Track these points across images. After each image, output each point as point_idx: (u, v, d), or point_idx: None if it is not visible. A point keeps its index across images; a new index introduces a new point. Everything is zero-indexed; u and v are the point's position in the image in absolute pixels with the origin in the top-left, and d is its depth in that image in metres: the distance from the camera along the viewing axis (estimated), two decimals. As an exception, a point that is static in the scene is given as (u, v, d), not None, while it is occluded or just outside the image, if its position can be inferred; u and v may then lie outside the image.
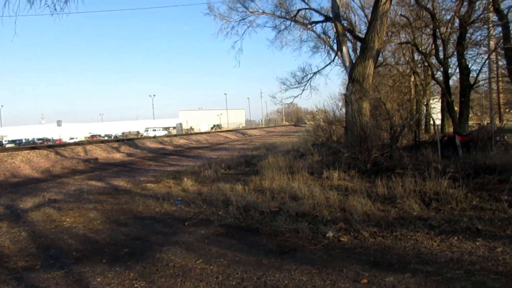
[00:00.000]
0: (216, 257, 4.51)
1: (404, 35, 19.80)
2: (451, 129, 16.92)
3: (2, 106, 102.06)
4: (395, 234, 4.84)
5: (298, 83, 19.84)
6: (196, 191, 8.49)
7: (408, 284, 3.46)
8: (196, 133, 45.17)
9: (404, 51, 21.50)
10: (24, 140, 65.25)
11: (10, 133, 78.50)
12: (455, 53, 15.55)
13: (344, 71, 16.52)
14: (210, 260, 4.40)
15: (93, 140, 43.09)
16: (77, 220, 6.62)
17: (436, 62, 17.77)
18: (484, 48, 15.75)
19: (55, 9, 8.39)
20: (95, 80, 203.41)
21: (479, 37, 15.44)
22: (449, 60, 17.17)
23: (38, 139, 66.66)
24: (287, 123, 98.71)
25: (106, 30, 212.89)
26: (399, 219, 5.40)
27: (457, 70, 16.29)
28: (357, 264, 4.02)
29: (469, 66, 15.11)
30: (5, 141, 63.52)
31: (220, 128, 78.15)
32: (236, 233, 5.49)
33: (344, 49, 14.02)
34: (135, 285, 3.81)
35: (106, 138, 64.42)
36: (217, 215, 6.50)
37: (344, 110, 14.38)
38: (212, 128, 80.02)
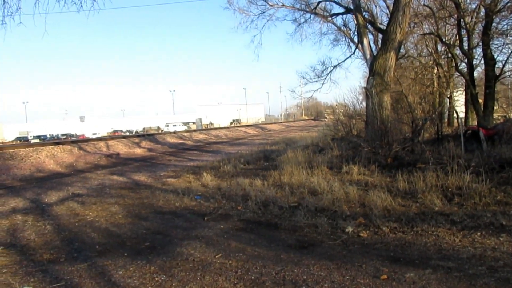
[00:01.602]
0: (235, 251, 4.54)
1: (427, 26, 19.33)
2: (475, 122, 16.51)
3: (27, 102, 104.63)
4: (416, 230, 4.78)
5: (318, 77, 19.67)
6: (215, 186, 8.54)
7: (428, 280, 3.41)
8: (216, 128, 45.42)
9: (427, 42, 20.99)
10: (48, 136, 66.93)
11: (35, 129, 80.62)
12: (480, 44, 15.14)
13: (365, 64, 16.31)
14: (229, 255, 4.43)
15: (115, 135, 43.84)
16: (99, 214, 6.76)
17: (460, 53, 17.30)
18: (511, 38, 15.27)
19: (81, 6, 8.52)
20: (117, 76, 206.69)
21: (505, 26, 14.98)
22: (474, 51, 16.69)
23: (62, 135, 68.23)
24: (306, 118, 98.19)
25: (127, 26, 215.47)
26: (420, 214, 5.32)
27: (482, 61, 15.89)
28: (376, 260, 3.99)
29: (495, 57, 14.69)
30: (31, 136, 65.37)
31: (239, 123, 78.35)
32: (255, 228, 5.52)
33: (365, 41, 13.83)
34: (156, 279, 3.87)
35: (127, 133, 65.44)
36: (236, 210, 6.53)
37: (364, 103, 14.23)
38: (231, 123, 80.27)
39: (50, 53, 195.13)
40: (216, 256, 4.40)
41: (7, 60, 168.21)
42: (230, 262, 4.20)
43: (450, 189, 6.18)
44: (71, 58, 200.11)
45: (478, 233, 4.46)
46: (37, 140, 51.78)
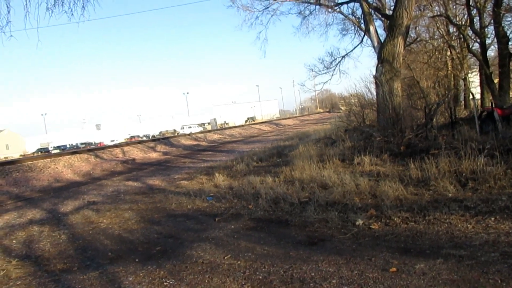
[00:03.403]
0: (245, 251, 4.52)
1: (437, 8, 18.92)
2: (491, 103, 16.09)
3: (45, 114, 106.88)
4: (428, 219, 4.66)
5: (327, 68, 19.43)
6: (227, 185, 8.54)
7: (439, 270, 3.32)
8: (230, 127, 45.52)
9: (438, 25, 20.51)
10: (68, 146, 68.33)
11: (55, 139, 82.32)
12: (492, 22, 14.73)
13: (374, 51, 16.05)
14: (238, 255, 4.41)
15: (131, 141, 44.37)
16: (113, 221, 6.83)
17: (472, 33, 16.90)
18: (524, 13, 14.81)
19: (72, 14, 8.58)
20: (131, 81, 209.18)
21: (517, 1, 14.54)
22: (486, 29, 16.24)
23: (81, 144, 69.57)
24: (321, 110, 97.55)
25: (136, 30, 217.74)
26: (432, 202, 5.20)
27: (495, 40, 15.43)
28: (386, 252, 3.91)
29: (508, 34, 14.27)
30: (51, 147, 66.82)
31: (254, 121, 78.36)
32: (265, 226, 5.48)
33: (371, 28, 13.58)
34: (165, 283, 3.88)
35: (144, 138, 66.18)
36: (247, 209, 6.51)
37: (376, 92, 13.99)
38: (246, 121, 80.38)
39: (64, 63, 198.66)
40: (225, 257, 4.38)
41: (22, 72, 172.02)
42: (239, 262, 4.18)
43: (464, 174, 6.02)
44: (85, 66, 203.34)
45: (492, 218, 4.32)
46: (57, 151, 52.89)
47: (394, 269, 3.48)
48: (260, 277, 3.73)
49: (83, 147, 54.70)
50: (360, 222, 4.93)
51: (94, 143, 71.46)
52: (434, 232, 4.27)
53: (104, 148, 22.28)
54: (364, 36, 18.21)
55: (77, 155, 17.66)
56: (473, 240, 3.85)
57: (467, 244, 3.78)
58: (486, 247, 3.65)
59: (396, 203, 5.40)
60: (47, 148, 67.38)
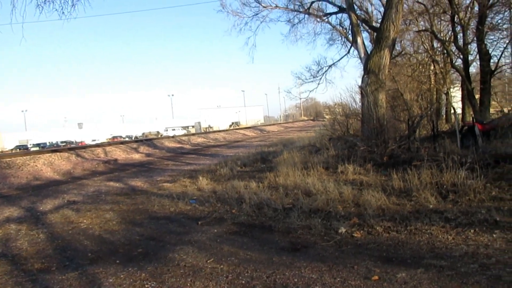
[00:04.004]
0: (228, 256, 4.50)
1: (422, 23, 19.32)
2: (472, 118, 16.46)
3: (26, 111, 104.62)
4: (409, 229, 4.73)
5: (313, 77, 19.59)
6: (211, 189, 8.50)
7: (420, 280, 3.37)
8: (214, 131, 45.39)
9: (423, 39, 20.92)
10: (48, 144, 66.85)
11: (35, 137, 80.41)
12: (475, 39, 15.11)
13: (361, 62, 16.25)
14: (221, 259, 4.39)
15: (113, 141, 43.80)
16: (93, 221, 6.72)
17: (456, 49, 17.27)
18: (505, 32, 15.23)
19: (63, 12, 8.49)
20: (116, 82, 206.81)
21: (499, 21, 14.96)
22: (469, 46, 16.64)
23: (62, 142, 68.14)
24: (305, 118, 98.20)
25: (122, 32, 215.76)
26: (414, 212, 5.28)
27: (477, 57, 15.82)
28: (369, 260, 3.95)
29: (490, 52, 14.66)
30: (30, 144, 65.26)
31: (238, 126, 78.29)
32: (248, 231, 5.47)
33: (359, 40, 13.77)
34: (146, 286, 3.83)
35: (127, 139, 65.41)
36: (230, 213, 6.49)
37: (361, 102, 14.16)
38: (230, 126, 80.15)
39: (47, 61, 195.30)
40: (208, 261, 4.36)
41: (4, 69, 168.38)
42: (222, 266, 4.16)
43: (445, 186, 6.14)
44: (68, 65, 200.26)
45: (472, 230, 4.42)
46: (36, 148, 51.72)
47: (376, 277, 3.52)
48: (243, 281, 3.72)
49: (63, 146, 53.59)
50: (343, 230, 4.96)
51: (75, 142, 70.08)
52: (416, 242, 4.33)
53: (85, 147, 21.93)
54: (351, 47, 18.46)
55: (58, 153, 17.34)
56: (453, 251, 3.92)
57: (447, 255, 3.85)
58: (466, 258, 3.72)
59: (378, 213, 5.46)
60: (26, 145, 65.73)
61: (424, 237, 4.44)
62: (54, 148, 26.64)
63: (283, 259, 4.23)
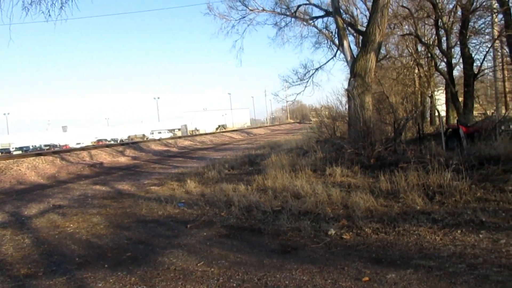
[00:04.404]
0: (218, 258, 4.49)
1: (407, 27, 19.61)
2: (456, 120, 16.73)
3: (8, 113, 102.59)
4: (397, 230, 4.79)
5: (300, 80, 19.70)
6: (199, 192, 8.47)
7: (409, 280, 3.42)
8: (201, 134, 45.24)
9: (407, 43, 21.23)
10: (31, 147, 65.70)
11: (17, 140, 78.85)
12: (458, 43, 15.38)
13: (347, 65, 16.41)
14: (212, 262, 4.37)
15: (99, 144, 43.27)
16: (80, 226, 6.63)
17: (440, 53, 17.57)
18: (488, 37, 15.56)
19: (50, 15, 8.39)
20: (100, 84, 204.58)
21: (482, 25, 15.28)
22: (453, 50, 16.93)
23: (45, 145, 67.06)
24: (292, 121, 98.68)
25: (108, 33, 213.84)
26: (402, 214, 5.35)
27: (461, 60, 16.10)
28: (359, 262, 3.98)
29: (473, 56, 14.95)
30: (13, 148, 64.05)
31: (225, 128, 78.16)
32: (238, 234, 5.47)
33: (345, 43, 13.90)
34: (136, 290, 3.80)
35: (112, 142, 64.67)
36: (219, 216, 6.48)
37: (347, 105, 14.29)
38: (217, 129, 79.98)
39: (31, 63, 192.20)
40: (198, 264, 4.34)
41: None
42: (212, 269, 4.15)
43: (431, 188, 6.23)
44: (52, 68, 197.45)
45: (459, 231, 4.49)
46: (19, 152, 50.75)
47: (367, 278, 3.55)
48: (234, 284, 3.72)
49: (47, 149, 52.69)
50: (332, 231, 5.00)
51: (59, 145, 69.05)
52: (404, 243, 4.39)
53: (70, 150, 21.63)
54: (337, 50, 18.64)
55: (42, 157, 17.06)
56: (441, 252, 3.99)
57: (435, 256, 3.91)
58: (454, 258, 3.78)
59: (367, 214, 5.52)
60: (8, 148, 64.48)
61: (412, 238, 4.50)
62: (38, 152, 26.20)
63: (274, 262, 4.23)
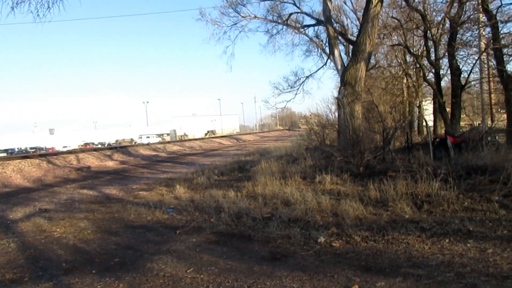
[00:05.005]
0: (208, 265, 4.47)
1: (396, 37, 19.88)
2: (443, 130, 16.96)
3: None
4: (387, 238, 4.82)
5: (291, 87, 19.88)
6: (188, 198, 8.43)
7: (399, 288, 3.44)
8: (190, 140, 45.06)
9: (396, 53, 21.52)
10: (16, 149, 64.65)
11: (2, 142, 77.61)
12: (446, 54, 15.62)
13: (337, 74, 16.57)
14: (201, 269, 4.35)
15: (86, 148, 42.85)
16: (67, 230, 6.54)
17: (428, 64, 17.84)
18: (475, 49, 15.82)
19: (38, 15, 8.33)
20: (88, 87, 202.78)
21: (469, 38, 15.55)
22: (441, 61, 17.19)
23: (31, 148, 66.09)
24: (281, 128, 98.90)
25: (97, 36, 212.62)
26: (391, 222, 5.38)
27: (449, 71, 16.35)
28: (348, 269, 3.99)
29: (460, 67, 15.17)
30: (-2, 150, 62.93)
31: (214, 134, 77.99)
32: (228, 241, 5.45)
33: (336, 52, 14.04)
34: (124, 296, 3.76)
35: (99, 146, 64.03)
36: (209, 222, 6.45)
37: (337, 113, 14.40)
38: (206, 134, 79.71)
39: (17, 65, 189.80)
40: (188, 271, 4.31)
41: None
42: (202, 276, 4.12)
43: (419, 197, 6.29)
44: (40, 69, 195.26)
45: (447, 240, 4.54)
46: (4, 154, 49.91)
47: (356, 286, 3.56)
48: (224, 291, 3.70)
49: (32, 152, 51.90)
50: (322, 239, 5.01)
51: (45, 148, 68.07)
52: (393, 251, 4.42)
53: (57, 153, 21.36)
54: (327, 58, 18.82)
55: (28, 160, 16.84)
56: (429, 260, 4.02)
57: (424, 264, 3.94)
58: (442, 267, 3.82)
59: (356, 222, 5.55)
60: (-8, 150, 63.48)
61: (401, 246, 4.54)
62: (24, 155, 25.83)
63: (264, 269, 4.23)
